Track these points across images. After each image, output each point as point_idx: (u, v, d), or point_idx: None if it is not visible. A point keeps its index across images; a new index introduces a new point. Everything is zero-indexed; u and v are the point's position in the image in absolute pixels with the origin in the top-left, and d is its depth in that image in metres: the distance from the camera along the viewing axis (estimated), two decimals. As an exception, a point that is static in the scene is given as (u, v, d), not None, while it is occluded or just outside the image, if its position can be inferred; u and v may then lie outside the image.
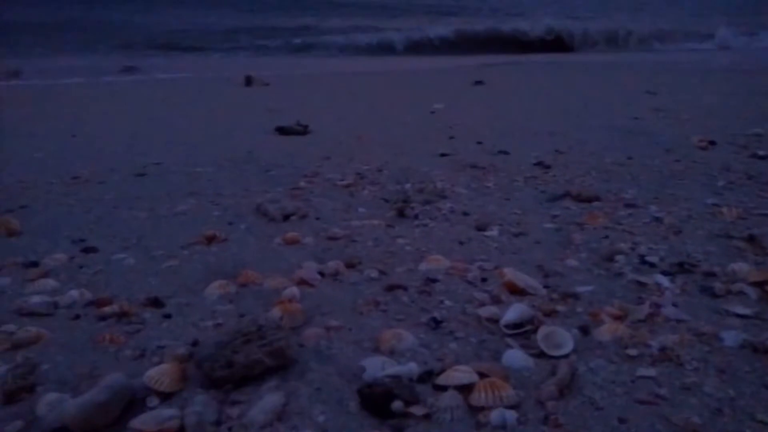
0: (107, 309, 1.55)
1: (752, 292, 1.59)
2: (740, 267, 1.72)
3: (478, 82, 6.67)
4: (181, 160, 3.24)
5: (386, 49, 11.69)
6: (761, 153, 3.18)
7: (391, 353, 1.34)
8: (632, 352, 1.32)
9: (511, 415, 1.10)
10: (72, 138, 3.79)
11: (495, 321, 1.46)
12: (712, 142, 3.46)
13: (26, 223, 2.25)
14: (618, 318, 1.47)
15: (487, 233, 2.15)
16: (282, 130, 4.08)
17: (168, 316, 1.54)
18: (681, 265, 1.77)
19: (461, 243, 2.06)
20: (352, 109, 5.13)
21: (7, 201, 2.51)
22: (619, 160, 3.16)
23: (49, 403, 1.16)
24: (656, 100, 5.27)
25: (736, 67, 8.49)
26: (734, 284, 1.63)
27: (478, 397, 1.14)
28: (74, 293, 1.64)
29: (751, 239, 1.96)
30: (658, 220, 2.21)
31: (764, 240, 1.93)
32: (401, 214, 2.37)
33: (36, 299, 1.60)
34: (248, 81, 6.60)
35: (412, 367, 1.24)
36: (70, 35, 12.33)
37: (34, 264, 1.87)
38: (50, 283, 1.72)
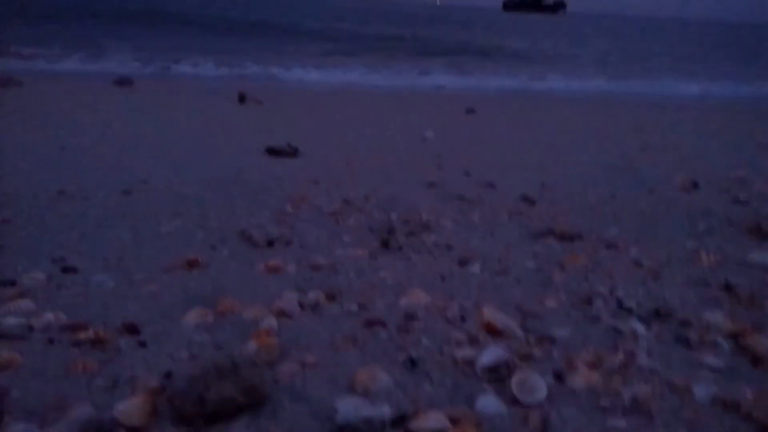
0: (82, 334, 1.54)
1: (726, 344, 1.61)
2: (715, 317, 1.74)
3: (470, 111, 6.75)
4: (168, 178, 3.23)
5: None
6: (742, 197, 3.23)
7: (366, 393, 1.33)
8: (604, 402, 1.33)
9: (481, 465, 1.10)
10: (61, 150, 3.77)
11: (471, 363, 1.47)
12: (695, 184, 3.52)
13: (7, 238, 2.23)
14: (593, 365, 1.48)
15: (469, 269, 2.17)
16: (272, 151, 4.09)
17: (143, 344, 1.53)
18: (657, 311, 1.79)
19: (443, 278, 2.07)
20: (343, 132, 5.16)
21: (-11, 214, 2.49)
22: (602, 198, 3.20)
23: (15, 434, 1.15)
24: (643, 138, 5.36)
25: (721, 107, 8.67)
26: (708, 334, 1.66)
27: (449, 445, 1.14)
28: (50, 316, 1.63)
29: (727, 288, 1.99)
30: (637, 263, 2.24)
31: (740, 289, 1.96)
32: (385, 245, 2.38)
33: (11, 321, 1.59)
34: (242, 98, 6.61)
35: (385, 411, 1.24)
36: (70, 42, 12.36)
37: (12, 283, 1.85)
38: (27, 304, 1.70)
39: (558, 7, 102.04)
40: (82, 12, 18.34)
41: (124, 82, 7.65)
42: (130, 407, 1.20)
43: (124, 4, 20.73)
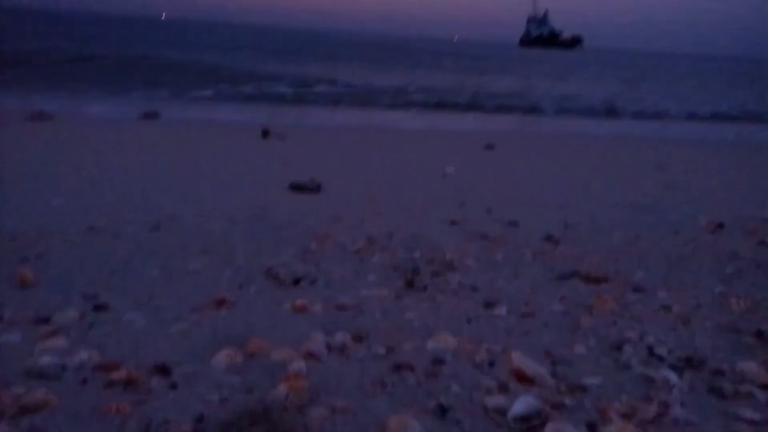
0: (115, 375, 1.56)
1: (761, 395, 1.58)
2: (749, 367, 1.71)
3: (489, 146, 6.79)
4: (195, 214, 3.29)
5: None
6: (769, 240, 3.19)
7: (397, 442, 1.33)
8: (640, 456, 1.30)
9: None
10: (90, 185, 3.87)
11: (502, 413, 1.45)
12: (721, 225, 3.49)
13: (40, 274, 2.28)
14: (626, 416, 1.46)
15: (495, 311, 2.16)
16: (295, 187, 4.15)
17: (174, 386, 1.54)
18: (689, 360, 1.76)
19: (469, 321, 2.07)
20: (365, 167, 5.22)
21: (23, 249, 2.55)
22: (627, 239, 3.18)
23: (52, 477, 1.16)
24: (665, 176, 5.34)
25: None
26: (743, 385, 1.62)
27: (484, 500, 1.13)
28: (83, 355, 1.65)
29: (759, 335, 1.95)
30: (666, 308, 2.21)
31: (773, 337, 1.92)
32: (410, 285, 2.39)
33: (45, 359, 1.61)
34: (265, 133, 6.74)
35: (418, 461, 1.23)
36: (97, 76, 12.83)
37: (46, 320, 1.89)
38: (60, 342, 1.73)
39: (575, 43, 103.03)
40: (96, 58, 18.95)
41: (148, 115, 7.85)
42: (164, 452, 1.21)
43: (125, 51, 21.55)
